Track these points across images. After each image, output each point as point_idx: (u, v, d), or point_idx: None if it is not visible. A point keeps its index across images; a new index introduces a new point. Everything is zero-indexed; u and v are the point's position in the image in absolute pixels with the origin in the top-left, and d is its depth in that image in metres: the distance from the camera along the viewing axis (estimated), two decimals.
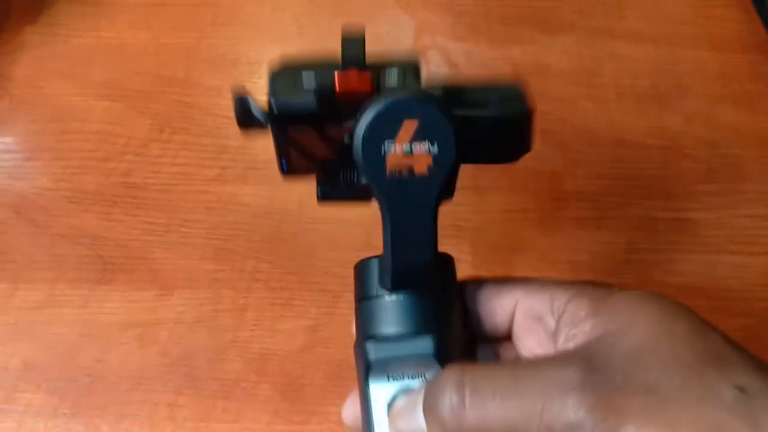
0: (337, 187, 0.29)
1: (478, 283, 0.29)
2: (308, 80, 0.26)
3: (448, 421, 0.23)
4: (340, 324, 0.43)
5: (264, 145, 0.49)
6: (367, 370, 0.27)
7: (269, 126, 0.26)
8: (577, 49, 0.53)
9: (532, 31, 0.54)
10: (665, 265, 0.46)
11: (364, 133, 0.24)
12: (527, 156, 0.53)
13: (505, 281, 0.29)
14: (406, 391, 0.27)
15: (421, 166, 0.25)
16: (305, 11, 0.54)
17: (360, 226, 0.45)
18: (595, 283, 0.27)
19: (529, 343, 0.28)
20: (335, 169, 0.28)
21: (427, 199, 0.25)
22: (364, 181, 0.25)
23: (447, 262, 0.29)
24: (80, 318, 0.43)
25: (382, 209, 0.26)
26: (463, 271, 0.46)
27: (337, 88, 0.25)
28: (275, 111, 0.26)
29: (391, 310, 0.27)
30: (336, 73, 0.25)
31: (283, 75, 0.26)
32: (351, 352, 0.42)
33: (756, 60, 0.53)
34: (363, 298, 0.28)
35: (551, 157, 0.49)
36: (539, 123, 0.50)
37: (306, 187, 0.47)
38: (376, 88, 0.26)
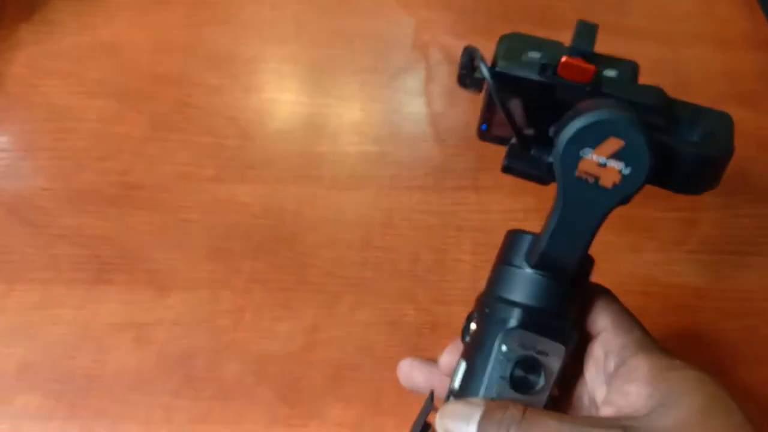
0: (523, 162, 0.30)
1: (608, 300, 0.30)
2: (534, 55, 0.29)
3: None
4: (339, 325, 0.42)
5: (262, 144, 0.49)
6: (504, 331, 0.28)
7: (487, 84, 0.28)
8: None
9: (533, 28, 0.52)
10: (667, 265, 0.46)
11: (571, 133, 0.25)
12: None
13: (622, 311, 0.30)
14: (464, 400, 0.28)
15: (608, 181, 0.26)
16: (304, 9, 0.53)
17: (360, 227, 0.45)
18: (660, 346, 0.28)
19: (590, 367, 0.29)
20: (527, 145, 0.29)
21: (600, 209, 0.27)
22: (554, 168, 0.26)
23: (590, 263, 0.31)
24: (77, 319, 0.42)
25: (557, 199, 0.27)
26: (463, 271, 0.46)
27: (560, 70, 0.27)
28: (498, 69, 0.28)
29: (528, 284, 0.29)
30: (565, 57, 0.27)
31: (511, 45, 0.29)
32: (349, 353, 0.43)
33: (760, 59, 0.53)
34: (506, 263, 0.29)
35: None
36: None
37: (304, 187, 0.48)
38: (596, 82, 0.28)
